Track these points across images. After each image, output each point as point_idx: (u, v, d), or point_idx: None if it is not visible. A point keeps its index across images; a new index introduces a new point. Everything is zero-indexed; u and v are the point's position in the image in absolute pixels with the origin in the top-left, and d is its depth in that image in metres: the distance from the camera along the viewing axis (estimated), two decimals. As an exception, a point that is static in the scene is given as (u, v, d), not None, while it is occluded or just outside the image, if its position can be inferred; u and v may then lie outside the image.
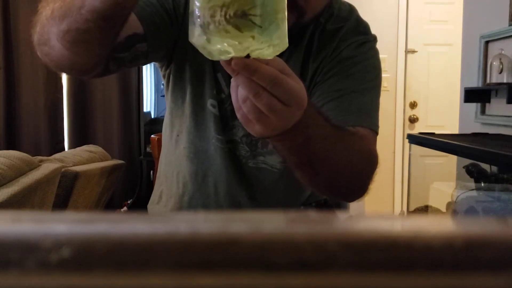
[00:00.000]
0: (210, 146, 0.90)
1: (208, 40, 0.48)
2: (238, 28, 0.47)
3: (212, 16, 0.47)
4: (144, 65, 0.81)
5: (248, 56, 0.50)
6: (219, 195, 0.92)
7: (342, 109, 0.81)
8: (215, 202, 0.92)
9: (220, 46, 0.49)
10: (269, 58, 0.51)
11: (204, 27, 0.48)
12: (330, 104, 0.82)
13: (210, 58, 0.51)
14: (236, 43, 0.48)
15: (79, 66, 0.72)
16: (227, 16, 0.47)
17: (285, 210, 0.93)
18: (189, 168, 0.93)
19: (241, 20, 0.47)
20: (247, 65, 0.50)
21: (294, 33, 0.85)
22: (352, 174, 0.75)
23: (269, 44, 0.49)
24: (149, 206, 1.04)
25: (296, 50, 0.87)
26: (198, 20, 0.48)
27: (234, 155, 0.90)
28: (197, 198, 0.93)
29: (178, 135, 0.95)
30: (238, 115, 0.56)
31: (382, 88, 0.91)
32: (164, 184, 1.00)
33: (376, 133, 0.84)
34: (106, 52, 0.71)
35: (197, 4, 0.48)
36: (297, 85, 0.54)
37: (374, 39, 0.91)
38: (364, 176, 0.77)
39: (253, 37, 0.48)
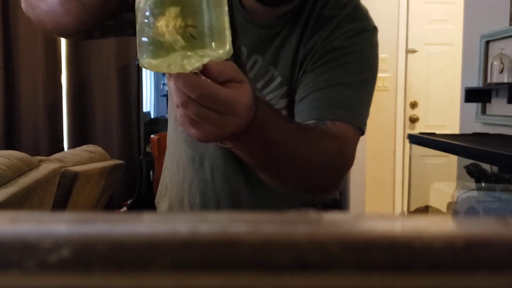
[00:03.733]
0: None
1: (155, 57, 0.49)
2: (186, 40, 0.48)
3: (164, 29, 0.48)
4: (134, 36, 0.81)
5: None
6: (216, 181, 0.90)
7: (323, 102, 0.78)
8: (212, 190, 0.90)
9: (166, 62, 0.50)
10: (195, 67, 0.51)
11: (157, 43, 0.49)
12: (313, 95, 0.79)
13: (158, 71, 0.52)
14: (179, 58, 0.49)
15: (63, 26, 0.71)
16: (178, 28, 0.48)
17: (286, 203, 0.90)
18: (186, 152, 0.92)
19: (184, 33, 0.48)
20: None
21: (289, 14, 0.83)
22: (317, 174, 0.74)
23: (203, 55, 0.50)
24: (156, 200, 1.03)
25: (291, 36, 0.84)
26: (150, 36, 0.49)
27: None
28: (196, 185, 0.92)
29: (175, 119, 0.94)
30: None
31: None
32: (167, 176, 0.99)
33: (360, 129, 0.80)
34: (96, 17, 0.70)
35: (147, 20, 0.49)
36: (232, 93, 0.52)
37: (373, 28, 0.85)
38: (332, 175, 0.75)
39: (185, 50, 0.49)
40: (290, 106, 0.84)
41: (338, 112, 0.77)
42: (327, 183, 0.77)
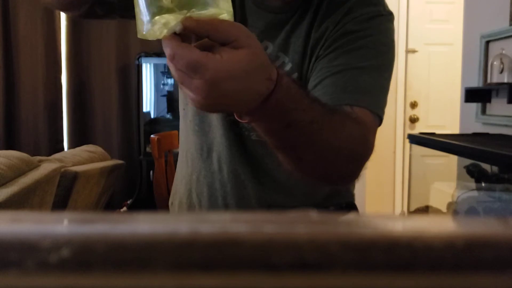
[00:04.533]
0: (213, 115, 0.86)
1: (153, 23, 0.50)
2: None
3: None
4: None
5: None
6: (223, 172, 0.87)
7: (338, 86, 0.74)
8: (219, 181, 0.88)
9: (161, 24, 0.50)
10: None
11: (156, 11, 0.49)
12: (327, 80, 0.75)
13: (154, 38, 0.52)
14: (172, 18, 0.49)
15: None
16: None
17: (295, 202, 0.87)
18: (195, 143, 0.90)
19: None
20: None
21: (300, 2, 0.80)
22: (339, 160, 0.69)
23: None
24: (170, 199, 1.01)
25: (302, 21, 0.81)
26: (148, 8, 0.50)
27: (237, 126, 0.85)
28: (203, 176, 0.90)
29: (184, 109, 0.92)
30: None
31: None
32: (178, 171, 0.98)
33: (378, 116, 0.75)
34: None
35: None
36: (201, 56, 0.48)
37: (388, 14, 0.81)
38: (353, 162, 0.71)
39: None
40: None
41: (354, 97, 0.73)
42: (347, 171, 0.72)
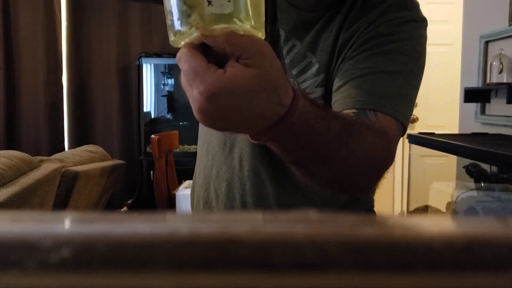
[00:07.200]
0: None
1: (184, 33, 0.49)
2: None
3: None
4: None
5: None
6: (244, 169, 0.85)
7: (363, 89, 0.70)
8: (239, 179, 0.86)
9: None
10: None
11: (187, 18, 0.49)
12: (352, 83, 0.72)
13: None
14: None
15: None
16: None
17: (313, 204, 0.84)
18: (218, 136, 0.88)
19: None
20: None
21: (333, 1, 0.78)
22: (356, 174, 0.66)
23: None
24: (191, 194, 1.00)
25: (334, 21, 0.79)
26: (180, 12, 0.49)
27: None
28: (224, 172, 0.87)
29: None
30: None
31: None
32: (197, 163, 0.96)
33: (402, 125, 0.72)
34: None
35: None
36: (199, 66, 0.46)
37: (422, 20, 0.78)
38: (371, 175, 0.68)
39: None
40: (327, 96, 0.78)
41: (379, 102, 0.70)
42: (364, 183, 0.70)
